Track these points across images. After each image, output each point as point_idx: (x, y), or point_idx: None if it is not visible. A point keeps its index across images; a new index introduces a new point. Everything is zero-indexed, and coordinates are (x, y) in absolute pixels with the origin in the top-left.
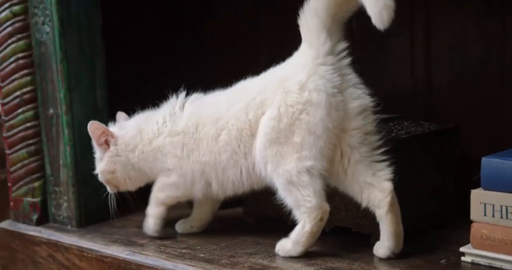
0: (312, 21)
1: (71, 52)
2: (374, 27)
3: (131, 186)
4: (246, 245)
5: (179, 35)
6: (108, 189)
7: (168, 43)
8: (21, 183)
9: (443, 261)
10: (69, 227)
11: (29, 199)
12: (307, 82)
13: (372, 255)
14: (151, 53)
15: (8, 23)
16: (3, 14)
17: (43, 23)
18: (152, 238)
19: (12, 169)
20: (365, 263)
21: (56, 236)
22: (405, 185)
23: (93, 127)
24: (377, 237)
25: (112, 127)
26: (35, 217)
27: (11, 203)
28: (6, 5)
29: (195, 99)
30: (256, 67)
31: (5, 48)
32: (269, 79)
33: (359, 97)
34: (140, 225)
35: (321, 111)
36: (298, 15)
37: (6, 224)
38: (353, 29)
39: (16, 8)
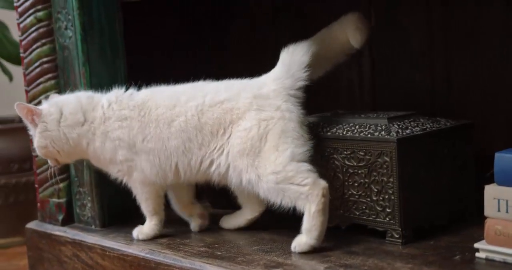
0: (301, 59)
1: (93, 56)
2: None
3: (67, 158)
4: (263, 243)
5: (201, 40)
6: (49, 162)
7: (189, 48)
8: (47, 184)
9: (457, 257)
10: (93, 227)
11: (55, 199)
12: (281, 106)
13: (387, 251)
14: (172, 56)
15: (33, 28)
16: (28, 20)
17: (66, 28)
18: (170, 237)
19: (38, 171)
20: (379, 260)
21: (80, 235)
22: (422, 181)
23: (19, 107)
24: (392, 234)
25: (43, 105)
26: (60, 217)
27: (38, 204)
28: (31, 11)
29: (146, 90)
30: None
31: (30, 53)
32: (242, 91)
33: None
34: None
35: (293, 124)
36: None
37: (33, 225)
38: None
39: (40, 14)
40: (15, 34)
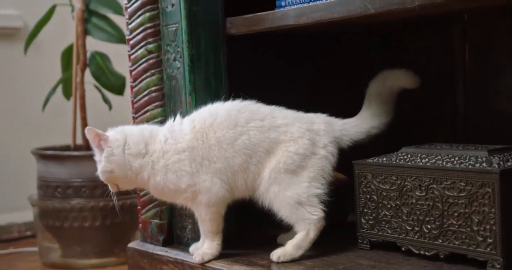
0: (350, 134)
1: (199, 86)
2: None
3: (128, 185)
4: (363, 267)
5: (296, 72)
6: (110, 188)
7: (285, 79)
8: (150, 206)
9: None
10: None
11: (157, 221)
12: (328, 146)
13: None
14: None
15: (143, 59)
16: (139, 52)
17: (175, 59)
18: (265, 259)
19: (141, 193)
20: None
21: (182, 255)
22: None
23: (88, 131)
24: (493, 264)
25: (109, 132)
26: (161, 238)
27: (140, 225)
28: (142, 43)
29: (195, 116)
30: None
31: (139, 82)
32: (296, 121)
33: None
34: (257, 246)
35: (330, 167)
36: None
37: (135, 244)
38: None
39: (150, 46)
40: (116, 66)
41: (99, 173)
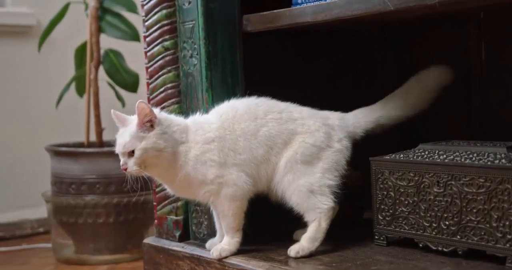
0: (365, 125)
1: (215, 83)
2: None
3: (158, 169)
4: (380, 263)
5: (312, 68)
6: (134, 170)
7: (300, 76)
8: (166, 202)
9: None
10: None
11: (173, 217)
12: (342, 140)
13: None
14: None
15: (160, 56)
16: (156, 48)
17: (191, 56)
18: (283, 254)
19: (157, 190)
20: None
21: (198, 251)
22: None
23: (142, 105)
24: None
25: (155, 110)
26: (177, 233)
27: (155, 221)
28: (159, 40)
29: (216, 109)
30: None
31: (156, 79)
32: (312, 116)
33: None
34: (273, 242)
35: (344, 161)
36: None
37: (150, 240)
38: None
39: (167, 43)
40: (130, 63)
41: (141, 149)
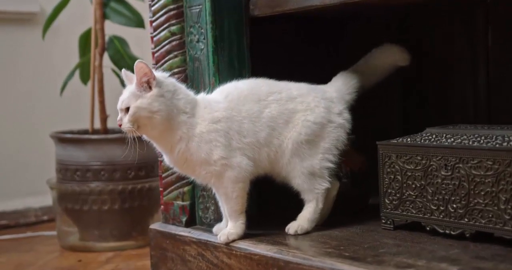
0: (352, 84)
1: (222, 67)
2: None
3: (152, 133)
4: (388, 246)
5: (315, 52)
6: (126, 127)
7: (304, 60)
8: (172, 187)
9: None
10: None
11: (179, 202)
12: (343, 112)
13: None
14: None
15: (166, 41)
16: (162, 33)
17: (198, 41)
18: (291, 238)
19: (164, 175)
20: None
21: (205, 236)
22: None
23: (140, 65)
24: None
25: (157, 73)
26: (184, 219)
27: (162, 206)
28: (165, 25)
29: (220, 89)
30: None
31: (162, 64)
32: (311, 91)
33: None
34: (279, 225)
35: (345, 135)
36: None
37: (157, 226)
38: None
39: (174, 28)
40: (134, 50)
41: (135, 107)
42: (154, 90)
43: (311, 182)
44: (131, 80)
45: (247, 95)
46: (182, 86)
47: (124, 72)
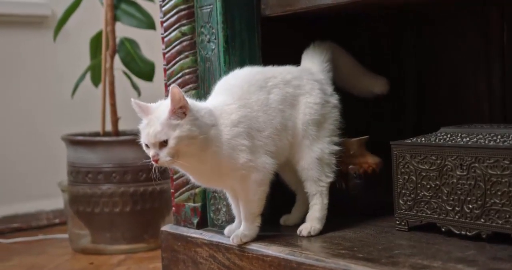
0: (325, 57)
1: (234, 67)
2: None
3: (191, 156)
4: (402, 247)
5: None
6: (167, 161)
7: None
8: (183, 189)
9: None
10: None
11: (191, 204)
12: (334, 95)
13: None
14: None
15: (177, 42)
16: (173, 34)
17: (209, 41)
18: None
19: (175, 177)
20: None
21: (217, 237)
22: None
23: (175, 91)
24: None
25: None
26: (195, 220)
27: (173, 208)
28: (176, 26)
29: (219, 89)
30: None
31: (173, 65)
32: (302, 73)
33: None
34: (292, 228)
35: (338, 114)
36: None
37: (168, 227)
38: None
39: (184, 28)
40: (145, 52)
41: (176, 138)
42: (190, 115)
43: (318, 170)
44: (146, 110)
45: (249, 86)
46: (196, 102)
47: (135, 103)
